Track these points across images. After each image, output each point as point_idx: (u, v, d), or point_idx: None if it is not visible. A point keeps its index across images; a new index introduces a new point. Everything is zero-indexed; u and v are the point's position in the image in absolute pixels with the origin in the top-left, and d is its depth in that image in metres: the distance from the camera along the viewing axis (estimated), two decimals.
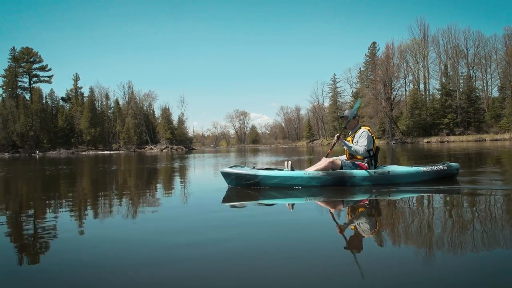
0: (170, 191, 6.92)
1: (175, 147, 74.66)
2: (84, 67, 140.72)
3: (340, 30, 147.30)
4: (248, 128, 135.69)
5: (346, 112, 6.37)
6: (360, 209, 4.52)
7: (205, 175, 10.94)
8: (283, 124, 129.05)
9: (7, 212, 4.93)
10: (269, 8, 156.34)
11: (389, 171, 5.91)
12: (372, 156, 6.03)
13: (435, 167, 6.18)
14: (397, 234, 3.25)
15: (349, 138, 6.17)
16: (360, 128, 6.15)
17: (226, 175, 6.15)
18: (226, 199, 5.39)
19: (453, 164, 6.36)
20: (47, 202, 5.83)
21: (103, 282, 2.27)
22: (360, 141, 5.94)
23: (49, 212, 4.85)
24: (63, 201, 5.89)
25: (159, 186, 8.03)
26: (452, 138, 54.14)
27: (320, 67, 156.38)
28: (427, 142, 53.30)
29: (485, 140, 47.35)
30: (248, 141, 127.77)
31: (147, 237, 3.30)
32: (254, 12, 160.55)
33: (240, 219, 4.11)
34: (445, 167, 6.20)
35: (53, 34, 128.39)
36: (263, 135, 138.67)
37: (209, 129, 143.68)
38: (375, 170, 5.88)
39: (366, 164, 5.97)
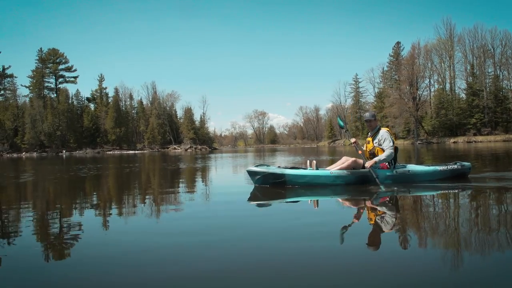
0: (198, 189, 7.04)
1: (199, 146, 75.08)
2: (107, 68, 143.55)
3: (359, 31, 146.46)
4: (266, 128, 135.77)
5: (367, 115, 6.54)
6: (383, 207, 4.65)
7: (230, 174, 11.05)
8: (301, 124, 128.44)
9: (36, 209, 5.08)
10: (288, 8, 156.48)
11: (409, 171, 6.20)
12: None
13: (450, 166, 6.56)
14: (417, 231, 3.30)
15: (369, 139, 6.38)
16: (380, 129, 6.34)
17: (252, 173, 6.24)
18: (252, 197, 5.49)
19: (466, 163, 6.75)
20: (87, 200, 5.96)
21: (128, 278, 2.29)
22: (384, 144, 6.11)
23: (84, 210, 5.00)
24: (97, 199, 6.05)
25: (188, 185, 8.14)
26: (479, 138, 52.87)
27: (338, 68, 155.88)
28: (454, 142, 52.20)
29: None
30: (267, 141, 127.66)
31: (176, 234, 3.37)
32: (273, 11, 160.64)
33: (266, 215, 4.26)
34: (459, 166, 6.57)
35: (77, 36, 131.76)
36: (281, 135, 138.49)
37: (227, 129, 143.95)
38: (396, 170, 6.13)
39: (386, 163, 6.16)
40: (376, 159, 6.03)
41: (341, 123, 6.98)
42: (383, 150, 6.12)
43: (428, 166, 6.70)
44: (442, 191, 5.47)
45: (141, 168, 14.06)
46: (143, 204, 5.13)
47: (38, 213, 4.62)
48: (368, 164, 5.94)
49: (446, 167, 6.51)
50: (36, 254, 2.84)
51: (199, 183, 8.44)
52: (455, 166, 6.55)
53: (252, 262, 2.52)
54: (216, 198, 5.77)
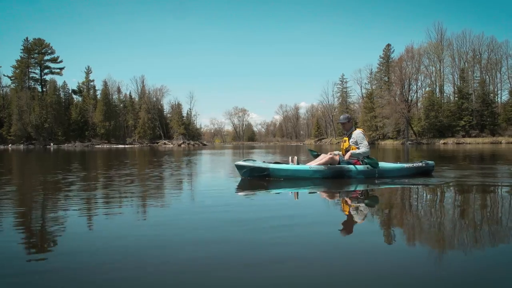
0: (191, 181, 7.50)
1: (192, 142, 74.37)
2: (93, 61, 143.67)
3: (344, 31, 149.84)
4: (244, 126, 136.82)
5: (341, 117, 7.10)
6: (356, 199, 5.00)
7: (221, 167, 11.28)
8: (279, 122, 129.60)
9: (16, 199, 5.16)
10: (276, 7, 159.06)
11: (379, 167, 6.70)
12: None
13: (415, 164, 7.14)
14: (385, 218, 3.71)
15: (346, 138, 7.02)
16: (355, 129, 6.94)
17: (240, 167, 6.77)
18: (239, 188, 5.96)
19: (430, 162, 7.28)
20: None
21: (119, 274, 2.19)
22: (363, 142, 6.73)
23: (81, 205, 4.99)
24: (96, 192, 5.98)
25: (188, 175, 8.63)
26: (468, 140, 53.74)
27: (317, 67, 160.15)
28: (444, 143, 52.83)
29: (501, 143, 47.00)
30: (245, 138, 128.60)
31: (172, 219, 3.57)
32: (261, 11, 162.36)
33: (251, 204, 4.55)
34: (423, 164, 7.10)
35: (64, 27, 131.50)
36: (259, 132, 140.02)
37: (206, 125, 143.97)
38: (368, 166, 6.64)
39: (359, 160, 6.75)
40: (353, 152, 6.67)
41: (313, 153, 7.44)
42: (357, 148, 6.71)
43: (396, 163, 7.31)
44: (406, 186, 6.02)
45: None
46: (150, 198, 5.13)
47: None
48: (347, 156, 6.66)
49: (412, 164, 7.10)
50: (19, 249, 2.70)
51: (195, 175, 8.97)
52: (420, 164, 7.10)
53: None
54: (208, 188, 6.27)
